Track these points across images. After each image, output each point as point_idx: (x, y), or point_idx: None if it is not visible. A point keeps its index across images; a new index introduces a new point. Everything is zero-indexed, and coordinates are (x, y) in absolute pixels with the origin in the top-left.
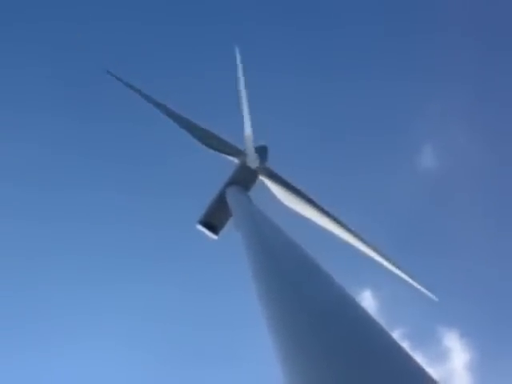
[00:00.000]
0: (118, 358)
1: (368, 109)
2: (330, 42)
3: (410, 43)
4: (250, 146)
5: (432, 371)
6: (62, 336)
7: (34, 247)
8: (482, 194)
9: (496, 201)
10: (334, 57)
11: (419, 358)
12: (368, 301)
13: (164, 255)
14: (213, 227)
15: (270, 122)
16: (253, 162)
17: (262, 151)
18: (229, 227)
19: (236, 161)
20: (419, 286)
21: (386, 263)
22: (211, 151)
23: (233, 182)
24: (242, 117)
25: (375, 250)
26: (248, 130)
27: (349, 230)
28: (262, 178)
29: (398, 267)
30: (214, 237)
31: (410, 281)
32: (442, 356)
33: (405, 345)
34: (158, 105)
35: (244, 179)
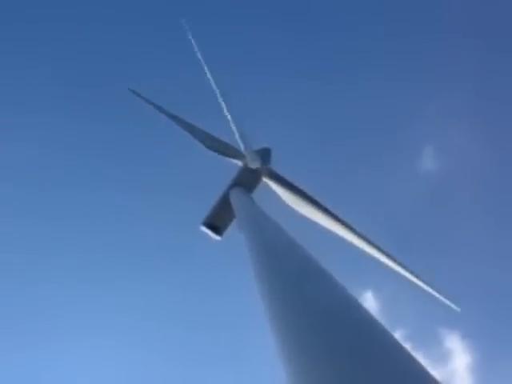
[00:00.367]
0: (119, 357)
1: (368, 110)
2: (330, 45)
3: (410, 44)
4: (246, 147)
5: (434, 373)
6: (62, 335)
7: (37, 246)
8: (482, 195)
9: (496, 201)
10: (334, 59)
11: (420, 360)
12: (369, 302)
13: (168, 256)
14: (216, 228)
15: (273, 124)
16: (253, 162)
17: (264, 153)
18: (232, 229)
19: (239, 163)
20: (440, 297)
21: (406, 274)
22: (215, 155)
23: (236, 184)
24: (229, 121)
25: (391, 258)
26: (238, 131)
27: (358, 234)
28: (266, 180)
29: (418, 277)
30: (218, 238)
31: (431, 291)
32: (443, 357)
33: (406, 346)
34: (164, 110)
35: (247, 181)
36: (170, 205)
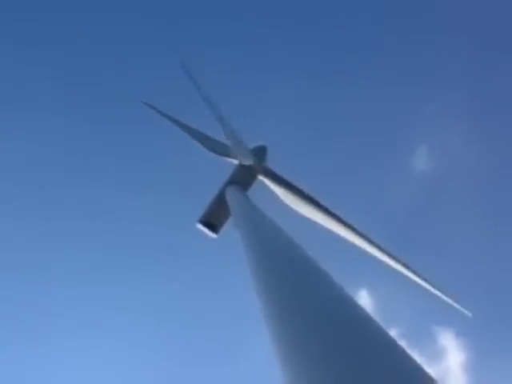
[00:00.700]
0: (116, 354)
1: (363, 110)
2: (328, 45)
3: (407, 46)
4: (237, 144)
5: (429, 370)
6: (61, 333)
7: (36, 244)
8: (477, 195)
9: (491, 201)
10: (331, 59)
11: (415, 358)
12: (364, 300)
13: (164, 254)
14: (212, 226)
15: (270, 123)
16: (245, 159)
17: (260, 151)
18: (228, 226)
19: (235, 162)
20: (451, 302)
21: (415, 277)
22: (216, 156)
23: (232, 181)
24: (215, 119)
25: (396, 259)
26: (224, 128)
27: (358, 232)
28: (261, 178)
29: (428, 283)
30: (214, 236)
31: (442, 296)
32: (437, 355)
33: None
34: (177, 120)
35: (243, 179)
36: (166, 203)
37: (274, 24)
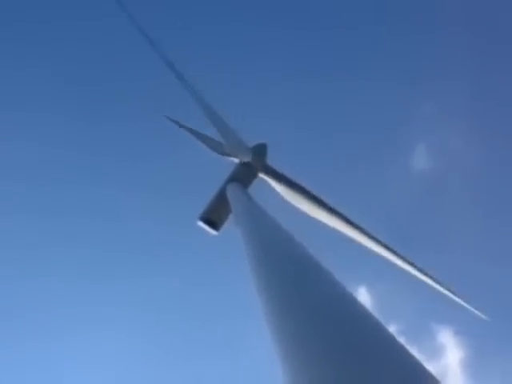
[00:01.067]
0: (118, 349)
1: (363, 108)
2: (328, 43)
3: (405, 44)
4: (237, 143)
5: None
6: (61, 328)
7: (37, 242)
8: (476, 194)
9: (490, 200)
10: (330, 57)
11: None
12: (363, 297)
13: (165, 251)
14: (213, 223)
15: (269, 121)
16: (246, 156)
17: (261, 149)
18: (229, 223)
19: (235, 160)
20: (468, 306)
21: (431, 282)
22: (215, 154)
23: (233, 179)
24: (207, 118)
25: (404, 259)
26: (216, 125)
27: (365, 231)
28: (262, 175)
29: (450, 290)
30: (215, 233)
31: (458, 300)
32: (435, 353)
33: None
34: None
35: (244, 176)
36: (167, 200)
37: (273, 23)
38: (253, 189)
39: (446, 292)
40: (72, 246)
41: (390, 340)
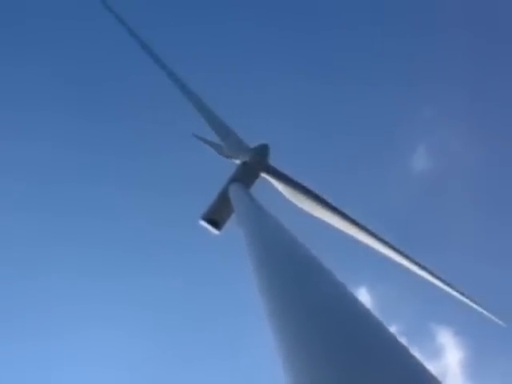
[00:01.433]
0: (119, 348)
1: (363, 110)
2: (328, 44)
3: (406, 46)
4: (238, 144)
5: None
6: (62, 327)
7: (38, 240)
8: (476, 194)
9: (489, 201)
10: (332, 59)
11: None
12: (363, 298)
13: (168, 250)
14: (215, 223)
15: (270, 122)
16: (248, 157)
17: (263, 149)
18: (231, 223)
19: (237, 162)
20: (485, 312)
21: (446, 287)
22: (220, 157)
23: (235, 179)
24: (204, 120)
25: (413, 261)
26: (221, 130)
27: (369, 232)
28: (264, 175)
29: (466, 296)
30: (217, 232)
31: (476, 306)
32: (435, 353)
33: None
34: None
35: (246, 176)
36: (170, 200)
37: (273, 23)
38: (255, 189)
39: (464, 299)
40: (75, 244)
41: (392, 341)
